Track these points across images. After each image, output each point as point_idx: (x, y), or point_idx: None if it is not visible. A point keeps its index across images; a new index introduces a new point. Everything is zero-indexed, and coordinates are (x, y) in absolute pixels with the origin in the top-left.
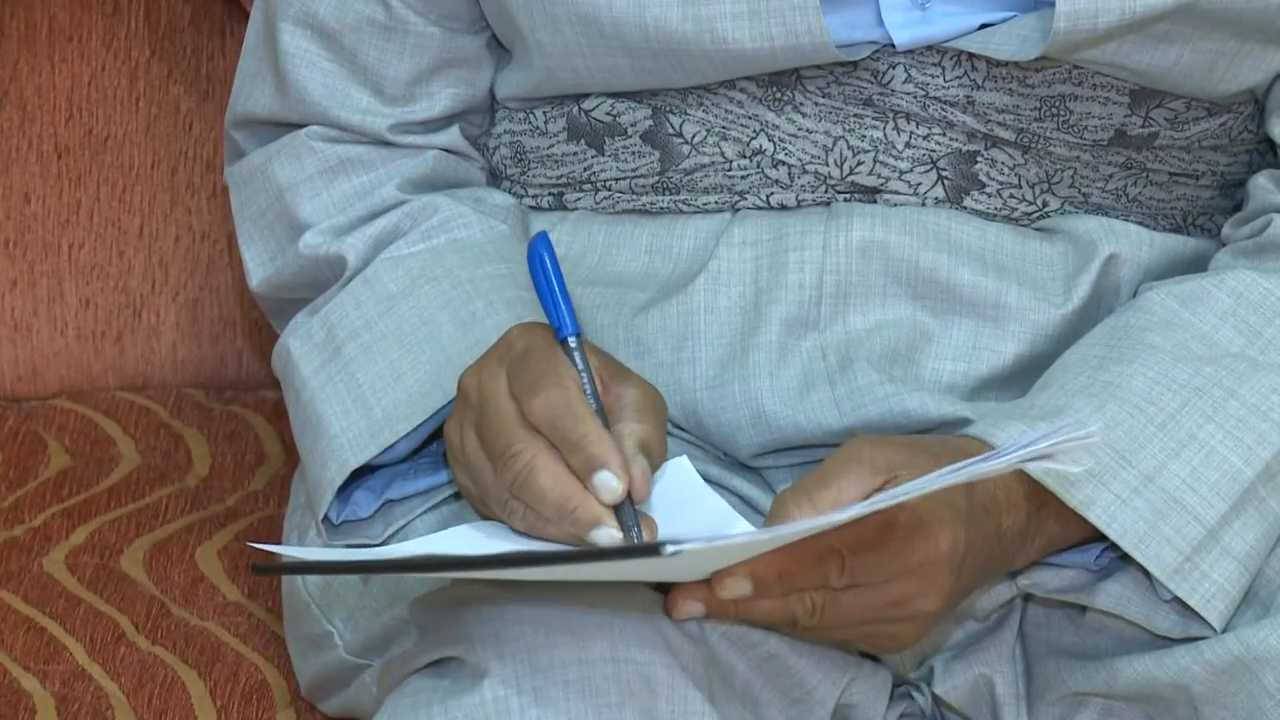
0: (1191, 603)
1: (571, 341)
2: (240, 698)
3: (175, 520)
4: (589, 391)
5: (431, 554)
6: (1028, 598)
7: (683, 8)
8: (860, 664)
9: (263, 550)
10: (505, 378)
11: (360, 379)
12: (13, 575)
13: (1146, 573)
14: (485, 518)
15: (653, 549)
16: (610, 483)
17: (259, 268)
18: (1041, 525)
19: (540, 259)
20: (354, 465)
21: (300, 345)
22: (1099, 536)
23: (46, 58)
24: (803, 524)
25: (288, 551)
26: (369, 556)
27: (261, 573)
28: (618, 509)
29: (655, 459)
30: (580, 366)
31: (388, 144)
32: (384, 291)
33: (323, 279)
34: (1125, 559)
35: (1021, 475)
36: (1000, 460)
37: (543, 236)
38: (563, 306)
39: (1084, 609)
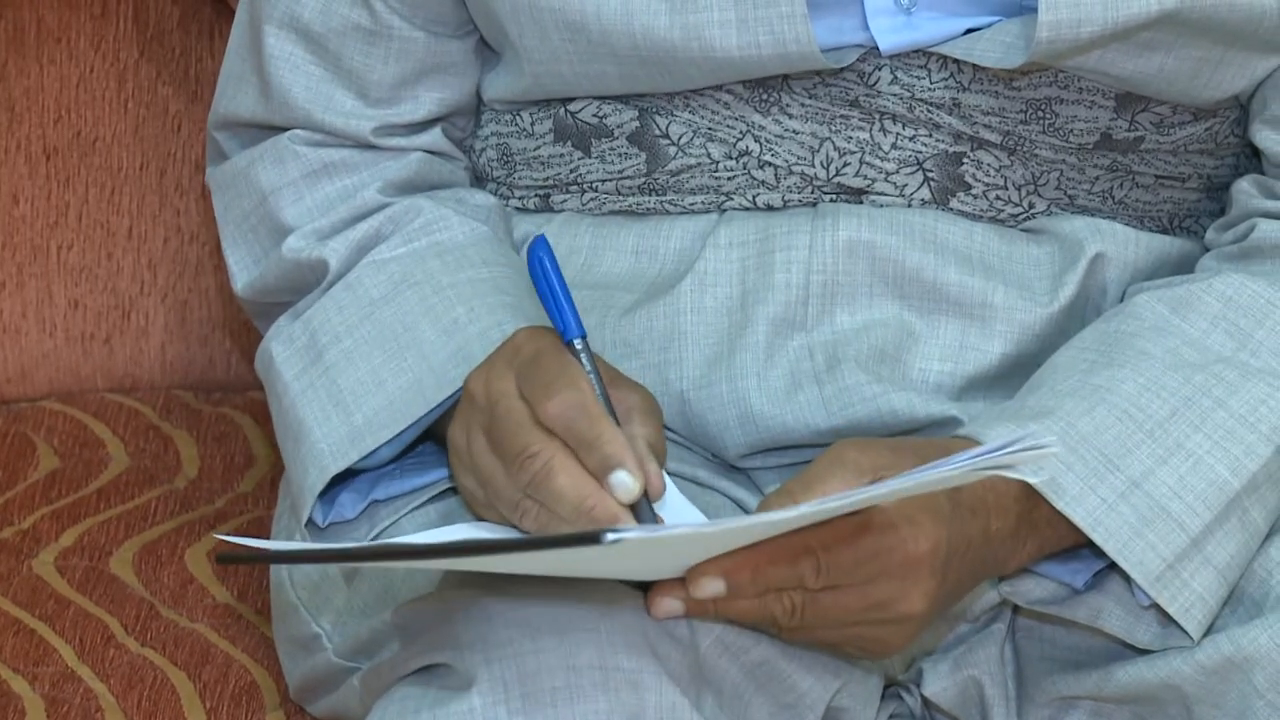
0: (1171, 611)
1: (578, 344)
2: (230, 699)
3: (164, 522)
4: (599, 393)
5: (384, 544)
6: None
7: (670, 16)
8: (852, 668)
9: (228, 542)
10: (514, 380)
11: (341, 384)
12: (2, 577)
13: (1127, 584)
14: (482, 521)
15: (592, 537)
16: (626, 482)
17: (243, 271)
18: (1033, 528)
19: (540, 262)
20: (334, 471)
21: (282, 349)
22: (1089, 542)
23: (34, 59)
24: (755, 520)
25: (252, 543)
26: (326, 546)
27: (225, 563)
28: (635, 509)
29: (661, 461)
30: (589, 369)
31: (371, 147)
32: (366, 297)
33: (305, 283)
34: (1106, 572)
35: (1010, 478)
36: (954, 468)
37: (541, 240)
38: (566, 309)
39: None
